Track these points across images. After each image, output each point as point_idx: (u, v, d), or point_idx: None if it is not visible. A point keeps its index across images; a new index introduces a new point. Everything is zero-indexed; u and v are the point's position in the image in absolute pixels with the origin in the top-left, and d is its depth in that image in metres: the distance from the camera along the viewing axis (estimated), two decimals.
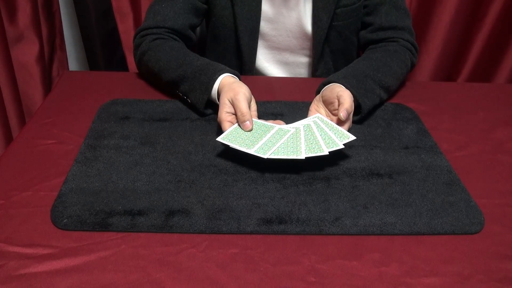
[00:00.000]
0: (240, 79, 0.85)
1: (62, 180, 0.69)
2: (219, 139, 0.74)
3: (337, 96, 0.79)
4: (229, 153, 0.77)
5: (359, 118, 0.86)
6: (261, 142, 0.73)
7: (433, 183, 0.72)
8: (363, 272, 0.57)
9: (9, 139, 1.28)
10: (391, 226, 0.64)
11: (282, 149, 0.72)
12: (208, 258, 0.58)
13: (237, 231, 0.62)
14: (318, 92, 0.87)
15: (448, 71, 1.52)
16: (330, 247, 0.61)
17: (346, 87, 0.83)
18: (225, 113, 0.77)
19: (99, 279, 0.55)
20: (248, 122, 0.75)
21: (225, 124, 0.76)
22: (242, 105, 0.75)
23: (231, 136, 0.74)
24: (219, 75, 0.84)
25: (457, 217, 0.66)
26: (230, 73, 0.85)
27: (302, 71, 1.10)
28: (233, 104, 0.77)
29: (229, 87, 0.79)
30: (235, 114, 0.77)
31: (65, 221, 0.62)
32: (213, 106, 0.87)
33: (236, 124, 0.77)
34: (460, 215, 0.66)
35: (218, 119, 0.78)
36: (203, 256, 0.58)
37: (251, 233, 0.62)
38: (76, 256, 0.58)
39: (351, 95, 0.80)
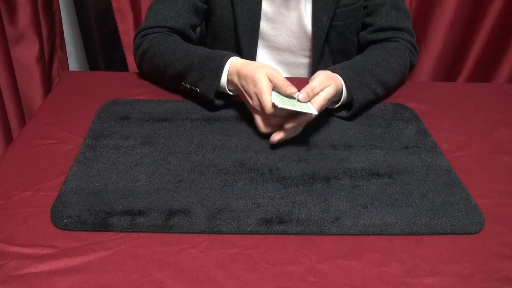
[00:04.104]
0: None
1: (62, 180, 0.69)
2: (280, 106, 0.74)
3: (312, 78, 0.80)
4: (229, 153, 0.77)
5: (352, 113, 0.86)
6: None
7: (433, 183, 0.72)
8: (363, 272, 0.57)
9: (9, 139, 1.28)
10: (391, 226, 0.64)
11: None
12: (208, 258, 0.58)
13: (237, 231, 0.62)
14: None
15: (448, 71, 1.52)
16: (330, 247, 0.61)
17: (342, 78, 0.84)
18: (267, 85, 0.77)
19: (99, 279, 0.55)
20: (290, 86, 0.77)
21: (267, 96, 0.76)
22: (280, 75, 0.78)
23: (283, 101, 0.76)
24: (227, 59, 0.84)
25: (457, 217, 0.66)
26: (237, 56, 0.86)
27: (302, 71, 1.10)
28: (271, 76, 0.78)
29: (255, 64, 0.80)
30: (278, 84, 0.78)
31: (65, 221, 0.62)
32: (223, 98, 0.87)
33: (274, 92, 0.78)
34: (460, 215, 0.66)
35: (258, 92, 0.77)
36: (203, 256, 0.58)
37: (251, 233, 0.62)
38: (76, 256, 0.58)
39: (327, 77, 0.81)
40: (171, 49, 0.91)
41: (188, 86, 0.89)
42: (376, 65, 0.91)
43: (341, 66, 0.88)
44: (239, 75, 0.82)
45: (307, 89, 0.78)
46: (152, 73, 0.97)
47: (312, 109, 0.76)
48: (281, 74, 0.79)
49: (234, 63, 0.83)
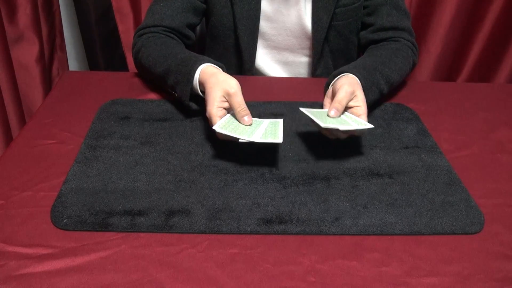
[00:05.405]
0: (224, 71, 0.82)
1: (62, 180, 0.69)
2: (215, 127, 0.72)
3: (338, 87, 0.78)
4: (229, 153, 0.77)
5: None
6: (255, 131, 0.73)
7: (433, 183, 0.72)
8: (363, 272, 0.57)
9: (9, 139, 1.28)
10: (391, 226, 0.64)
11: (265, 134, 0.72)
12: (208, 258, 0.58)
13: (237, 231, 0.62)
14: (327, 85, 0.86)
15: (448, 71, 1.52)
16: (330, 247, 0.61)
17: (358, 78, 0.83)
18: (216, 108, 0.74)
19: (99, 279, 0.55)
20: (247, 117, 0.75)
21: (215, 119, 0.73)
22: (239, 99, 0.74)
23: (227, 125, 0.73)
24: (199, 65, 0.82)
25: (457, 217, 0.66)
26: (212, 63, 0.83)
27: (302, 71, 1.10)
28: (228, 98, 0.75)
29: (217, 79, 0.77)
30: (233, 108, 0.75)
31: (65, 221, 0.62)
32: (199, 101, 0.86)
33: (229, 115, 0.76)
34: (460, 215, 0.66)
35: (207, 114, 0.75)
36: (203, 256, 0.58)
37: (251, 233, 0.62)
38: (76, 256, 0.58)
39: (350, 85, 0.78)
40: (155, 52, 0.92)
41: (169, 89, 0.89)
42: (384, 64, 0.91)
43: (354, 66, 0.87)
44: (203, 86, 0.80)
45: (335, 104, 0.76)
46: (143, 73, 0.98)
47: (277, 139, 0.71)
48: (240, 97, 0.74)
49: (204, 71, 0.81)
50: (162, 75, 0.88)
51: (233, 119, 0.76)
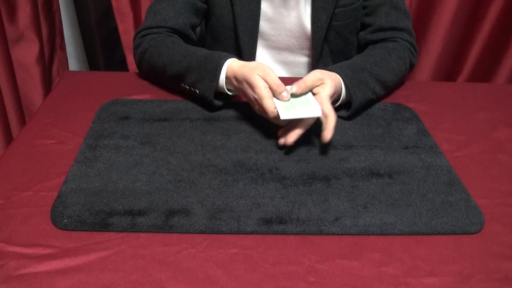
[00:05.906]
0: None
1: (62, 180, 0.69)
2: (283, 117, 0.74)
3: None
4: (229, 153, 0.77)
5: (353, 112, 0.86)
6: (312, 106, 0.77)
7: (433, 183, 0.72)
8: (363, 272, 0.57)
9: (9, 139, 1.28)
10: (391, 226, 0.64)
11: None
12: (208, 258, 0.58)
13: (237, 231, 0.62)
14: None
15: (448, 71, 1.52)
16: (330, 247, 0.61)
17: (341, 77, 0.84)
18: (264, 89, 0.77)
19: (99, 279, 0.55)
20: (285, 92, 0.77)
21: (268, 101, 0.76)
22: (274, 77, 0.77)
23: (287, 108, 0.76)
24: (225, 60, 0.84)
25: (457, 217, 0.66)
26: (235, 58, 0.86)
27: (301, 71, 1.10)
28: (265, 78, 0.77)
29: (249, 67, 0.80)
30: (270, 86, 0.77)
31: (65, 221, 0.62)
32: (222, 99, 0.87)
33: (275, 99, 0.78)
34: (460, 215, 0.66)
35: (258, 99, 0.77)
36: (203, 256, 0.58)
37: (251, 233, 0.62)
38: (76, 256, 0.58)
39: (321, 73, 0.81)
40: (169, 50, 0.91)
41: (187, 87, 0.89)
42: (375, 64, 0.91)
43: (339, 65, 0.88)
44: (236, 79, 0.82)
45: (299, 81, 0.78)
46: (151, 73, 0.97)
47: (316, 111, 0.75)
48: (274, 75, 0.78)
49: (231, 66, 0.83)
50: (181, 73, 0.89)
51: (281, 101, 0.78)
